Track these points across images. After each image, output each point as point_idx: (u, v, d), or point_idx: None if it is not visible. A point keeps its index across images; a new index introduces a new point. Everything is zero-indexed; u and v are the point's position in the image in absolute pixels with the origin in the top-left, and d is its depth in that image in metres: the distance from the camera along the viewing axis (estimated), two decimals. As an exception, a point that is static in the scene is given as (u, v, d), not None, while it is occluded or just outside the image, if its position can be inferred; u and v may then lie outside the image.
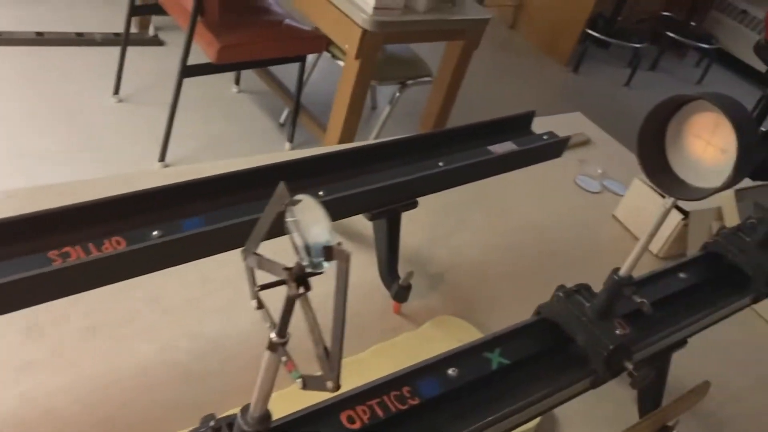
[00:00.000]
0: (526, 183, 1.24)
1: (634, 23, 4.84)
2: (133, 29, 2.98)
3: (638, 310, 0.61)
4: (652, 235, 0.59)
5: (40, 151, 2.34)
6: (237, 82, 3.02)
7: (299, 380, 0.37)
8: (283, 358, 0.37)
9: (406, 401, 0.52)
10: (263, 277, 0.37)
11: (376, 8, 2.05)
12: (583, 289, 0.64)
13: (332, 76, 2.82)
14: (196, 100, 2.76)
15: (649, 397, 0.79)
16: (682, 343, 0.73)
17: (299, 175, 0.78)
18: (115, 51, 2.69)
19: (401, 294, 0.87)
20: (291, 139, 2.75)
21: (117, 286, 0.60)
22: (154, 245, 0.61)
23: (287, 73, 2.76)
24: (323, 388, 0.36)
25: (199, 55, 2.30)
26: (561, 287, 0.64)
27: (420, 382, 0.54)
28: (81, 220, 0.62)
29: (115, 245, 0.62)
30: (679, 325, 0.70)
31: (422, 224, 1.06)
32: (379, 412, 0.50)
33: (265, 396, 0.40)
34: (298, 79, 2.60)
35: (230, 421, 0.43)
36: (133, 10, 2.62)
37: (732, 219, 1.17)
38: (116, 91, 2.69)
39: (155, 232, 0.64)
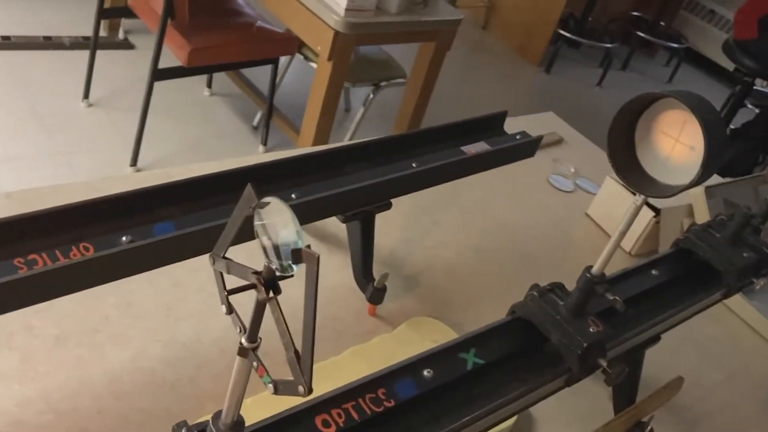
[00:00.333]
0: (499, 183, 1.24)
1: (605, 23, 4.90)
2: (103, 33, 2.94)
3: (611, 308, 0.61)
4: (623, 233, 0.59)
5: (8, 156, 2.29)
6: (209, 85, 2.99)
7: (270, 385, 0.36)
8: (255, 363, 0.36)
9: (382, 403, 0.52)
10: (234, 281, 0.36)
11: (347, 9, 2.04)
12: (557, 287, 0.64)
13: (305, 78, 2.81)
14: (168, 104, 2.73)
15: (624, 394, 0.80)
16: (655, 339, 0.74)
17: (272, 178, 0.77)
18: (84, 55, 2.65)
19: (376, 296, 0.87)
20: (265, 142, 2.74)
21: (87, 293, 0.59)
22: (123, 251, 0.59)
23: (260, 75, 2.74)
24: (295, 393, 0.36)
25: (170, 59, 2.28)
26: (535, 286, 0.64)
27: (395, 383, 0.54)
28: (48, 226, 0.61)
29: (83, 251, 0.61)
30: (651, 322, 0.71)
31: (396, 225, 1.06)
32: (355, 415, 0.50)
33: (237, 402, 0.39)
34: (270, 82, 2.59)
35: (202, 429, 0.42)
36: (102, 13, 2.58)
37: (702, 216, 1.18)
38: (86, 96, 2.65)
39: (125, 238, 0.64)
